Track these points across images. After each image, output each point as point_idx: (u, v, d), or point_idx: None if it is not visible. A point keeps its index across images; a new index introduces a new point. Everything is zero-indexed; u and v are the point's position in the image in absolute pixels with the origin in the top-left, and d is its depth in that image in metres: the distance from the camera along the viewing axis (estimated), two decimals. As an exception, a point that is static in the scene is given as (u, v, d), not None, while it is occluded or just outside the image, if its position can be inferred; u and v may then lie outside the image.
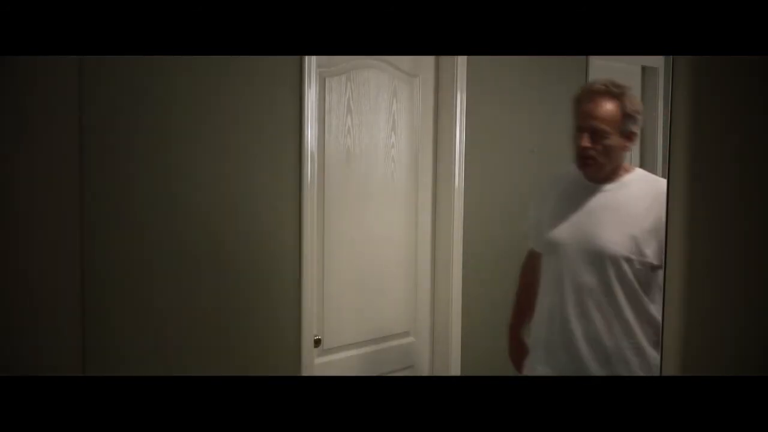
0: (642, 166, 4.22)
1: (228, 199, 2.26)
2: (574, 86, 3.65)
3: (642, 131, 4.17)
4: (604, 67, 3.78)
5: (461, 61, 2.93)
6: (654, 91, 4.15)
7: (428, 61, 2.96)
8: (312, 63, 2.43)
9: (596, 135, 2.16)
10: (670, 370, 1.07)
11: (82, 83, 1.89)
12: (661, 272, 2.11)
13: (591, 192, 2.21)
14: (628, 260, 2.10)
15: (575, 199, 2.23)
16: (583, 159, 2.19)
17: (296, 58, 2.40)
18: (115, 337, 2.02)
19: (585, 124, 2.18)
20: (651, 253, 2.10)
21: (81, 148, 1.93)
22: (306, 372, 2.50)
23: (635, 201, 2.16)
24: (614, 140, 2.16)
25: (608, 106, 2.17)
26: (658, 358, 2.07)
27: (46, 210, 1.88)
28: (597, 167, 2.19)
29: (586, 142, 2.16)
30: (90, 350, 1.98)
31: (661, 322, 2.03)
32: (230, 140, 2.26)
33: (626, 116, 2.18)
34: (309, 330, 2.50)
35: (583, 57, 3.57)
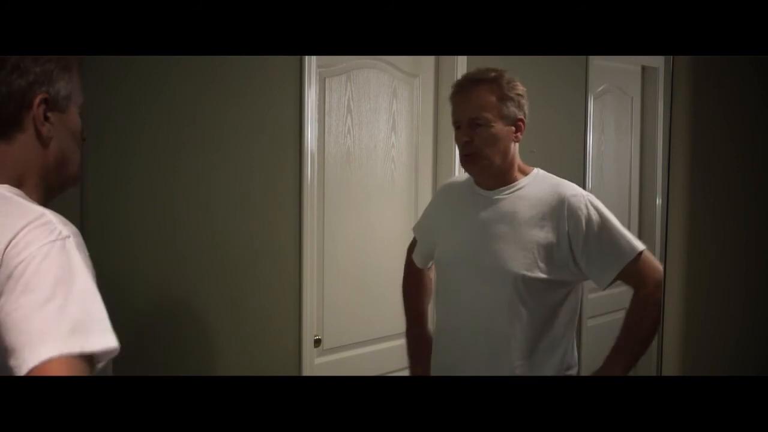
0: (642, 165, 4.23)
1: (228, 198, 2.26)
2: (574, 86, 3.67)
3: (641, 131, 4.19)
4: (604, 67, 3.78)
5: (461, 61, 2.93)
6: (654, 91, 4.15)
7: (428, 61, 2.96)
8: (312, 63, 2.43)
9: (473, 126, 1.89)
10: (670, 370, 1.07)
11: (82, 83, 1.89)
12: (566, 289, 1.92)
13: (483, 201, 1.96)
14: (524, 278, 1.86)
15: (467, 210, 1.99)
16: (466, 156, 1.92)
17: (296, 58, 2.40)
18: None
19: (459, 117, 1.92)
20: (550, 268, 1.87)
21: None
22: (306, 372, 2.50)
23: (530, 209, 1.90)
24: (497, 129, 1.88)
25: (482, 92, 1.89)
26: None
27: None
28: (484, 165, 1.91)
29: (464, 136, 1.90)
30: (90, 350, 1.98)
31: (570, 346, 1.96)
32: (230, 140, 2.26)
33: (506, 99, 1.90)
34: (309, 330, 2.50)
35: (583, 57, 3.58)
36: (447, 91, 3.11)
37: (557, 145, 3.40)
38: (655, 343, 4.54)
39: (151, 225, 2.09)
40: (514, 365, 1.91)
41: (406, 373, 2.94)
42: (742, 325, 1.03)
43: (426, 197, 2.96)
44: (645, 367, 4.05)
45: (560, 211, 1.90)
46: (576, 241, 1.89)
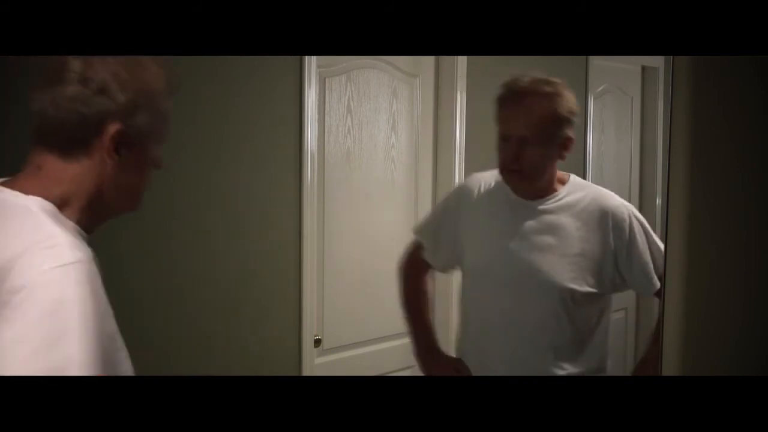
0: (642, 165, 4.24)
1: (228, 199, 2.26)
2: (574, 86, 3.67)
3: (641, 131, 4.19)
4: (604, 67, 3.79)
5: (461, 61, 2.93)
6: (654, 91, 4.15)
7: (428, 61, 2.96)
8: (312, 63, 2.43)
9: (524, 145, 1.79)
10: (670, 370, 1.07)
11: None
12: (607, 299, 1.91)
13: (523, 211, 1.87)
14: (572, 292, 1.82)
15: (505, 219, 1.89)
16: (512, 174, 1.83)
17: (296, 58, 2.40)
18: (115, 337, 2.02)
19: (510, 131, 1.80)
20: (596, 281, 1.84)
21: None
22: (306, 372, 2.50)
23: (574, 221, 1.85)
24: (547, 150, 1.81)
25: (540, 109, 1.78)
26: None
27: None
28: (527, 183, 1.85)
29: (511, 154, 1.80)
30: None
31: (605, 352, 1.93)
32: (230, 140, 2.26)
33: (560, 120, 1.80)
34: (309, 330, 2.50)
35: (583, 57, 3.57)
36: (447, 91, 3.14)
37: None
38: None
39: (151, 225, 2.09)
40: (558, 374, 1.88)
41: (406, 373, 2.94)
42: (742, 325, 1.03)
43: (426, 197, 2.95)
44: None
45: (605, 224, 1.86)
46: (621, 254, 1.86)
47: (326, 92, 2.60)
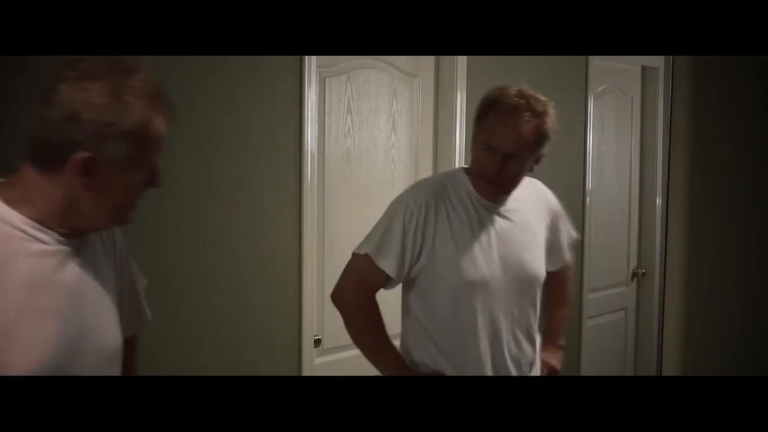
0: (642, 165, 4.24)
1: (228, 198, 2.26)
2: (574, 86, 3.67)
3: (641, 131, 4.19)
4: (604, 67, 3.79)
5: (461, 61, 2.93)
6: (654, 91, 4.15)
7: (428, 61, 2.96)
8: (312, 63, 2.43)
9: (512, 160, 1.81)
10: (670, 370, 1.07)
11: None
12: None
13: (497, 213, 1.91)
14: (542, 280, 1.97)
15: (483, 223, 1.90)
16: (492, 185, 1.86)
17: (296, 58, 2.40)
18: (115, 337, 2.02)
19: (502, 146, 1.80)
20: (547, 262, 2.00)
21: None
22: (306, 372, 2.50)
23: (532, 212, 1.97)
24: (526, 165, 1.85)
25: (529, 127, 1.79)
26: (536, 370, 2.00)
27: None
28: (503, 193, 1.90)
29: (498, 167, 1.81)
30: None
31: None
32: (230, 140, 2.26)
33: (544, 138, 1.83)
34: (309, 330, 2.50)
35: (583, 57, 3.57)
36: (447, 91, 3.13)
37: (557, 145, 3.39)
38: (655, 343, 4.54)
39: (151, 225, 2.09)
40: (533, 358, 1.99)
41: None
42: (742, 325, 1.03)
43: (426, 197, 2.96)
44: (645, 367, 4.06)
45: (546, 206, 2.03)
46: (554, 231, 2.05)
47: (326, 92, 2.60)
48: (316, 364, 2.57)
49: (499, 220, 1.90)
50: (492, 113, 1.84)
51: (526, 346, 1.95)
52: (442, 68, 2.97)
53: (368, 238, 1.95)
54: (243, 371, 2.30)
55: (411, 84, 2.90)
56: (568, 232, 2.11)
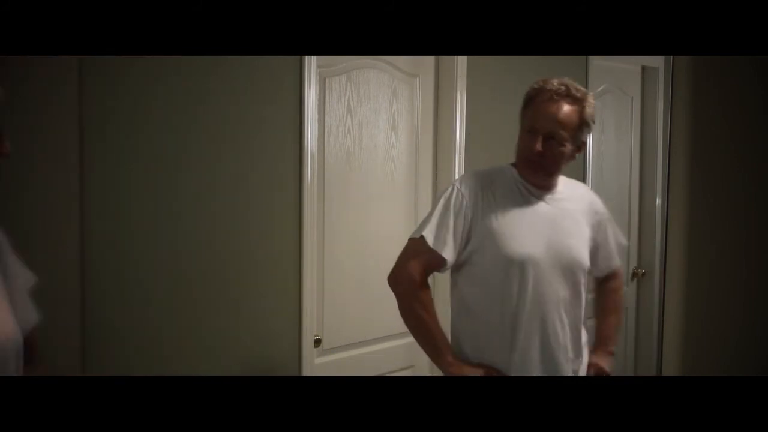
0: (642, 165, 4.24)
1: (228, 198, 2.26)
2: (574, 86, 3.67)
3: (641, 131, 4.19)
4: (604, 67, 3.79)
5: (461, 61, 2.92)
6: (654, 91, 4.15)
7: (428, 61, 2.96)
8: (312, 63, 2.43)
9: (553, 140, 1.94)
10: (670, 370, 1.07)
11: (82, 83, 1.89)
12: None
13: (543, 200, 2.02)
14: (585, 270, 2.04)
15: (530, 207, 2.00)
16: (534, 165, 1.97)
17: (296, 58, 2.40)
18: (114, 338, 2.02)
19: (542, 126, 1.93)
20: (591, 261, 2.08)
21: (81, 148, 1.93)
22: (306, 372, 2.50)
23: (577, 209, 2.07)
24: (568, 149, 1.96)
25: (568, 111, 1.94)
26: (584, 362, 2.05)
27: (46, 210, 1.88)
28: (546, 175, 2.01)
29: (540, 147, 1.93)
30: (90, 350, 1.98)
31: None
32: (230, 140, 2.26)
33: (583, 124, 1.98)
34: (309, 330, 2.50)
35: (583, 57, 3.57)
36: (447, 91, 3.13)
37: (557, 145, 3.40)
38: (655, 343, 4.54)
39: (151, 224, 2.09)
40: (580, 350, 2.04)
41: (406, 373, 2.94)
42: (742, 325, 1.03)
43: (426, 197, 2.95)
44: (645, 367, 4.05)
45: (591, 206, 2.11)
46: (599, 233, 2.12)
47: (326, 92, 2.60)
48: (316, 364, 2.57)
49: (544, 206, 2.01)
50: (535, 100, 1.98)
51: (573, 333, 2.00)
52: (442, 68, 2.97)
53: (423, 223, 2.06)
54: (243, 371, 2.29)
55: (411, 84, 2.90)
56: (615, 236, 2.17)
